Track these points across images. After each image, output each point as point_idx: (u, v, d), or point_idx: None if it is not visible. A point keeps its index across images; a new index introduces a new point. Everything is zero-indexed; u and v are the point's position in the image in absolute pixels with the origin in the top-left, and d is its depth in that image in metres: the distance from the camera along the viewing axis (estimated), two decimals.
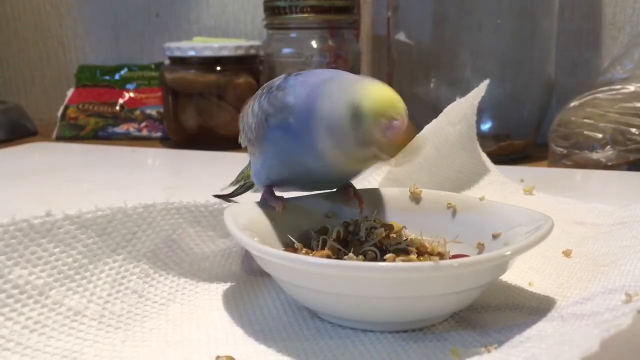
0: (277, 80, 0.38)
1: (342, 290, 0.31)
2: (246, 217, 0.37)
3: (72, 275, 0.33)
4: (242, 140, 0.42)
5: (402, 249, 0.36)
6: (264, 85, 0.40)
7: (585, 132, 0.70)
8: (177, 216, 0.37)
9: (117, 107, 0.99)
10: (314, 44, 0.81)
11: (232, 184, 0.54)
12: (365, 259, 0.35)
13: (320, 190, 0.41)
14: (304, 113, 0.35)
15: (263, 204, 0.39)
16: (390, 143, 0.33)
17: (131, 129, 0.97)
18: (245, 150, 0.43)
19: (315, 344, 0.32)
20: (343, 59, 0.81)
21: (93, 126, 0.97)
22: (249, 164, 0.43)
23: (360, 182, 0.47)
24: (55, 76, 1.15)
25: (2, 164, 0.79)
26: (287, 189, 0.41)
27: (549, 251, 0.42)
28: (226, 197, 0.55)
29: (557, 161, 0.71)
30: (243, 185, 0.53)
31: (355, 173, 0.39)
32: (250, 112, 0.39)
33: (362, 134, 0.33)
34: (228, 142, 0.82)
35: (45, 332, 0.31)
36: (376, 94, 0.33)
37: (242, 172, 0.53)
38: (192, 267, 0.38)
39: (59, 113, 0.99)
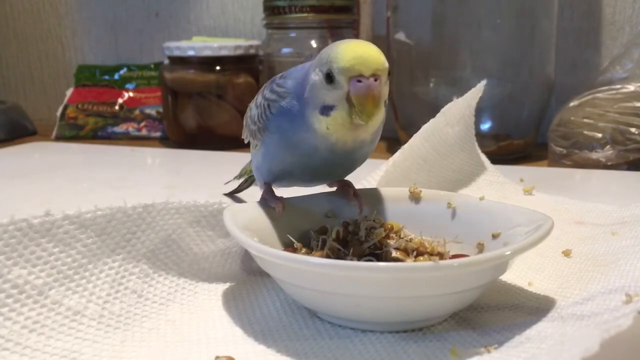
0: (281, 73, 0.39)
1: (341, 290, 0.31)
2: (246, 217, 0.37)
3: (71, 275, 0.33)
4: (244, 135, 0.42)
5: (402, 249, 0.36)
6: (269, 80, 0.40)
7: (585, 132, 0.70)
8: (177, 216, 0.37)
9: (117, 107, 0.99)
10: (313, 43, 0.81)
11: (236, 177, 0.54)
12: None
13: (320, 182, 0.41)
14: (300, 91, 0.36)
15: (263, 203, 0.39)
16: (358, 101, 0.33)
17: (130, 129, 0.97)
18: (245, 149, 0.43)
19: (315, 344, 0.32)
20: None
21: (92, 126, 0.97)
22: (251, 158, 0.43)
23: (360, 182, 0.47)
24: (55, 76, 1.15)
25: (2, 163, 0.79)
26: (288, 183, 0.41)
27: (548, 251, 0.42)
28: (233, 193, 0.56)
29: (557, 161, 0.71)
30: (247, 179, 0.53)
31: (352, 159, 0.39)
32: (254, 105, 0.40)
33: (334, 92, 0.34)
34: (227, 142, 0.82)
35: (45, 332, 0.31)
36: (350, 51, 0.33)
37: (244, 168, 0.53)
38: (191, 267, 0.38)
39: (58, 113, 0.99)
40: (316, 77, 0.34)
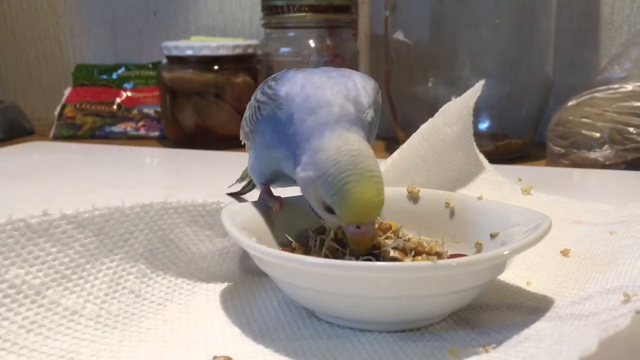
0: (276, 74, 0.38)
1: (340, 290, 0.31)
2: (244, 216, 0.37)
3: (69, 274, 0.33)
4: (241, 137, 0.42)
5: (400, 248, 0.36)
6: (263, 81, 0.40)
7: (583, 132, 0.70)
8: (175, 216, 0.37)
9: (115, 106, 0.99)
10: (311, 43, 0.81)
11: (238, 180, 0.54)
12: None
13: None
14: (292, 123, 0.34)
15: (260, 203, 0.39)
16: (352, 239, 0.33)
17: (128, 128, 0.97)
18: (243, 149, 0.42)
19: (313, 344, 0.32)
20: (341, 58, 0.81)
21: (90, 125, 0.97)
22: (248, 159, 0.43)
23: None
24: (53, 75, 1.15)
25: None
26: (282, 184, 0.40)
27: (547, 251, 0.42)
28: (237, 195, 0.55)
29: (555, 160, 0.71)
30: (250, 182, 0.53)
31: None
32: (248, 106, 0.39)
33: (329, 217, 0.34)
34: (226, 142, 0.82)
35: (42, 332, 0.31)
36: (356, 202, 0.31)
37: (245, 171, 0.53)
38: (189, 267, 0.38)
39: (56, 112, 0.99)
40: (312, 187, 0.33)
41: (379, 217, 0.34)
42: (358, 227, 0.32)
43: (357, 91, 0.35)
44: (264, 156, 0.38)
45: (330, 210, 0.33)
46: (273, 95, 0.36)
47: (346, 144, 0.32)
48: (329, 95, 0.34)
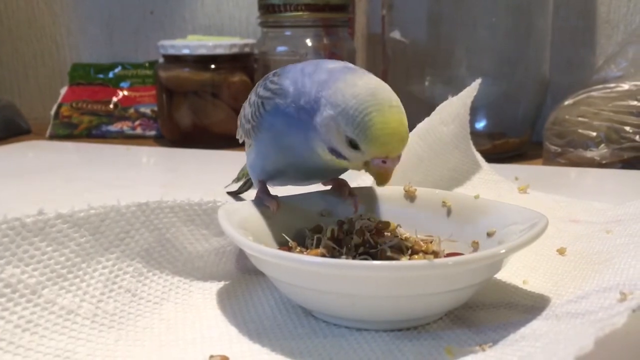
0: (274, 71, 0.38)
1: (336, 289, 0.31)
2: (240, 215, 0.37)
3: (65, 274, 0.33)
4: (239, 134, 0.42)
5: (397, 247, 0.36)
6: (262, 78, 0.40)
7: (580, 131, 0.70)
8: (171, 215, 0.37)
9: (111, 106, 0.98)
10: (308, 42, 0.81)
11: (235, 180, 0.54)
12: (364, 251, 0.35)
13: (315, 180, 0.41)
14: (303, 101, 0.35)
15: (257, 202, 0.39)
16: (377, 174, 0.33)
17: (125, 128, 0.97)
18: (240, 147, 0.42)
19: (309, 343, 0.32)
20: (338, 57, 0.81)
21: (87, 124, 0.97)
22: (246, 157, 0.43)
23: (355, 181, 0.47)
24: (49, 74, 1.14)
25: None
26: (282, 181, 0.40)
27: (543, 249, 0.42)
28: (235, 194, 0.55)
29: (552, 159, 0.71)
30: (247, 182, 0.53)
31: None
32: (248, 104, 0.40)
33: (353, 154, 0.33)
34: (223, 141, 0.82)
35: (38, 331, 0.30)
36: (382, 130, 0.31)
37: (242, 169, 0.53)
38: (185, 266, 0.38)
39: (53, 111, 0.99)
40: (334, 126, 0.33)
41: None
42: (384, 162, 0.32)
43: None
44: (271, 149, 0.38)
45: (354, 146, 0.33)
46: (277, 89, 0.36)
47: (362, 80, 0.33)
48: (331, 64, 0.35)
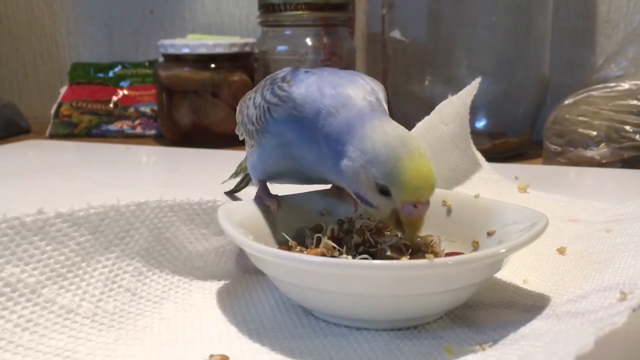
0: (282, 73, 0.38)
1: (336, 288, 0.31)
2: (240, 214, 0.37)
3: (64, 273, 0.33)
4: (240, 132, 0.42)
5: (397, 247, 0.36)
6: (267, 77, 0.39)
7: (580, 130, 0.70)
8: (171, 214, 0.37)
9: (111, 105, 0.98)
10: (308, 41, 0.81)
11: (232, 176, 0.54)
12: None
13: (315, 183, 0.41)
14: (310, 110, 0.35)
15: (257, 201, 0.39)
16: (409, 222, 0.32)
17: (125, 127, 0.96)
18: (240, 146, 0.42)
19: (309, 342, 0.32)
20: (338, 56, 0.81)
21: (87, 124, 0.97)
22: (247, 156, 0.42)
23: None
24: (49, 73, 1.14)
25: None
26: (283, 181, 0.40)
27: (543, 249, 0.42)
28: (232, 193, 0.55)
29: (552, 159, 0.71)
30: (244, 178, 0.53)
31: None
32: (252, 104, 0.39)
33: (383, 201, 0.33)
34: (222, 140, 0.82)
35: (38, 330, 0.30)
36: (414, 177, 0.31)
37: (240, 165, 0.53)
38: (185, 266, 0.38)
39: (53, 111, 0.99)
40: (362, 172, 0.32)
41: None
42: (415, 207, 0.32)
43: (371, 87, 0.36)
44: (275, 154, 0.38)
45: (384, 192, 0.32)
46: (286, 97, 0.36)
47: (390, 127, 0.33)
48: (351, 91, 0.35)
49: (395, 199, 0.32)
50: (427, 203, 0.32)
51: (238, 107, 0.42)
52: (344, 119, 0.34)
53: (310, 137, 0.35)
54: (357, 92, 0.35)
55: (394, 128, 0.33)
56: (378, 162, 0.32)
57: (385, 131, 0.33)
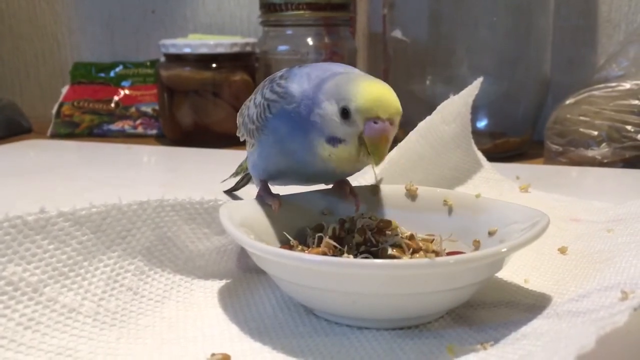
0: (280, 72, 0.39)
1: (338, 288, 0.31)
2: (242, 214, 0.37)
3: (66, 272, 0.33)
4: (240, 133, 0.42)
5: (398, 246, 0.36)
6: (266, 79, 0.40)
7: (581, 130, 0.70)
8: (172, 213, 0.37)
9: (112, 105, 0.98)
10: (309, 41, 0.81)
11: (233, 175, 0.54)
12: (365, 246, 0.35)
13: (316, 183, 0.41)
14: (305, 105, 0.36)
15: (259, 201, 0.39)
16: (371, 144, 0.33)
17: (126, 127, 0.97)
18: (241, 146, 0.42)
19: (311, 341, 0.32)
20: (339, 56, 0.81)
21: (88, 123, 0.97)
22: (247, 156, 0.43)
23: (356, 180, 0.47)
24: (50, 73, 1.14)
25: None
26: (284, 182, 0.41)
27: (544, 248, 0.42)
28: (232, 191, 0.56)
29: (553, 158, 0.71)
30: (244, 177, 0.53)
31: (349, 170, 0.39)
32: (252, 104, 0.40)
33: (347, 128, 0.34)
34: (224, 140, 0.82)
35: (40, 329, 0.31)
36: (370, 92, 0.33)
37: (240, 165, 0.53)
38: (187, 265, 0.38)
39: (54, 110, 0.99)
40: (330, 107, 0.34)
41: (396, 120, 0.34)
42: (375, 123, 0.33)
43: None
44: (274, 151, 0.38)
45: (346, 114, 0.33)
46: (283, 93, 0.37)
47: (357, 74, 0.35)
48: (335, 68, 0.37)
49: (356, 118, 0.33)
50: (391, 122, 0.33)
51: (239, 112, 0.42)
52: (320, 82, 0.36)
53: (301, 127, 0.36)
54: (344, 68, 0.37)
55: (362, 75, 0.35)
56: (339, 88, 0.34)
57: (350, 78, 0.34)
